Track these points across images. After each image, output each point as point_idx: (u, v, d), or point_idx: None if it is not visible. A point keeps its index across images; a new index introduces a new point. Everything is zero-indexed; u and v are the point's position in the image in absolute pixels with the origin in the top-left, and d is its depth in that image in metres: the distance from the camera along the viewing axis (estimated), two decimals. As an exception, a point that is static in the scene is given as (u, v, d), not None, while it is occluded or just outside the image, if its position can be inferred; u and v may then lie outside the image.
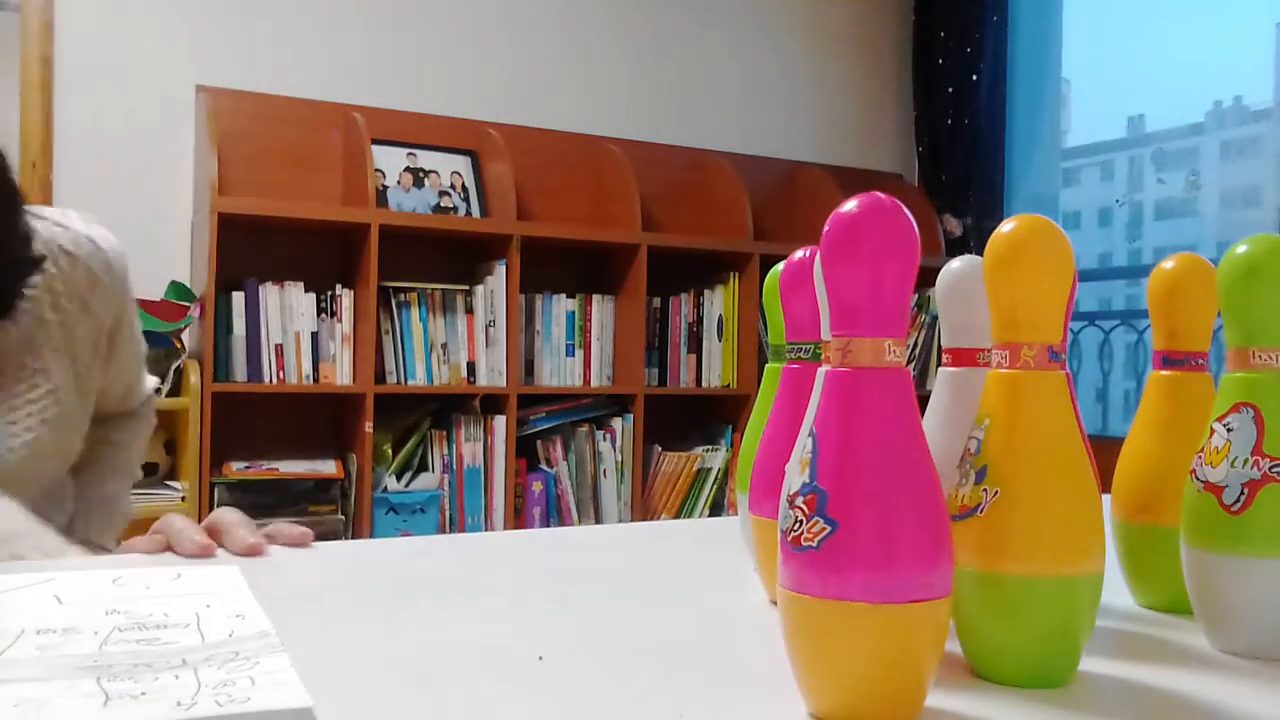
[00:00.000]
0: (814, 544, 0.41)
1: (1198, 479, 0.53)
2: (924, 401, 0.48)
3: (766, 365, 0.64)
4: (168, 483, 2.66)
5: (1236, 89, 3.53)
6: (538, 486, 3.10)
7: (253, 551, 0.72)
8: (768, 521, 0.57)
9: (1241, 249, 0.53)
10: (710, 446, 3.32)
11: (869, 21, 3.89)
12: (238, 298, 2.72)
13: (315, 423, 3.00)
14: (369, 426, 2.83)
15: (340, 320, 2.87)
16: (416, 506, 2.94)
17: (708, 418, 3.41)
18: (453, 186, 3.14)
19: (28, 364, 0.99)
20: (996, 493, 0.46)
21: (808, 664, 0.42)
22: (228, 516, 0.75)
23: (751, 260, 3.25)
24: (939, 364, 0.58)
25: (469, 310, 3.02)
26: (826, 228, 0.43)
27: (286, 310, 2.79)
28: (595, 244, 3.19)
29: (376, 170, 2.97)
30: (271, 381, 2.77)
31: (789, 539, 0.42)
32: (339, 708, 0.42)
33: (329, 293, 2.88)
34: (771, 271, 0.63)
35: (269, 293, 2.76)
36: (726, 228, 3.33)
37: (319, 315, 2.86)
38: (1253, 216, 3.45)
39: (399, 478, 2.97)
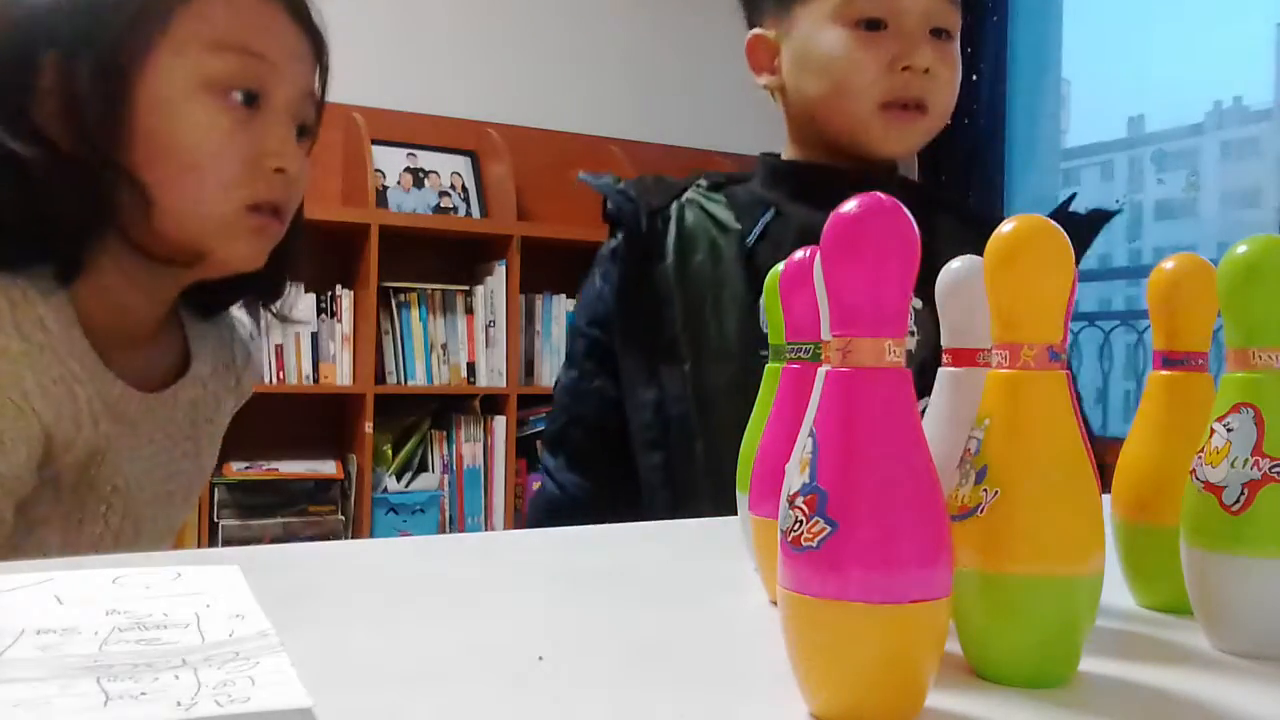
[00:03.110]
0: (814, 544, 0.41)
1: (1198, 479, 0.53)
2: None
3: (766, 365, 0.64)
4: (168, 483, 2.66)
5: (1236, 89, 3.52)
6: (537, 486, 3.10)
7: None
8: (768, 521, 0.56)
9: (1241, 249, 0.53)
10: (710, 447, 3.32)
11: (869, 22, 3.88)
12: (238, 298, 2.72)
13: (315, 423, 3.00)
14: (369, 427, 2.83)
15: (340, 320, 2.87)
16: (416, 507, 2.94)
17: (708, 418, 3.41)
18: (453, 187, 3.14)
19: (188, 433, 0.92)
20: (997, 493, 0.46)
21: (808, 664, 0.42)
22: None
23: (751, 260, 3.25)
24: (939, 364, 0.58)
25: (469, 310, 3.02)
26: (826, 228, 0.43)
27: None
28: (595, 244, 3.18)
29: (376, 170, 2.97)
30: (271, 382, 2.77)
31: (789, 539, 0.42)
32: (339, 708, 0.42)
33: (329, 293, 2.87)
34: (771, 271, 0.63)
35: (269, 293, 2.77)
36: (726, 228, 3.33)
37: (319, 315, 2.86)
38: (1253, 217, 3.44)
39: (399, 478, 2.97)
